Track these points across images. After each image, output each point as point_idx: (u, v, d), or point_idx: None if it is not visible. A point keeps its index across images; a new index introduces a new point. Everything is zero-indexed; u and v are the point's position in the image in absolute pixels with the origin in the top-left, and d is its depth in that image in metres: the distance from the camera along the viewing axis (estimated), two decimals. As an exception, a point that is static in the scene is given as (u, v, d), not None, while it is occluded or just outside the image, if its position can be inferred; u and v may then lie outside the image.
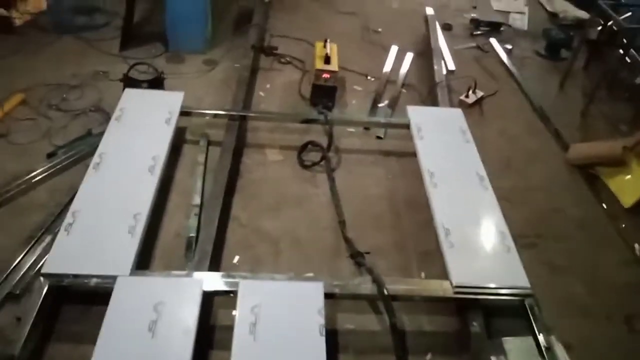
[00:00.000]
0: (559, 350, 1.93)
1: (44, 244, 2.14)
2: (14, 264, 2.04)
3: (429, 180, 2.40)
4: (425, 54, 3.73)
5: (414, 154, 2.62)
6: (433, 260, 2.25)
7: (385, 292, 1.90)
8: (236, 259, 2.24)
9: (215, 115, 2.82)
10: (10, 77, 3.07)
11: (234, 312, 1.82)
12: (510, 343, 1.97)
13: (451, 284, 1.97)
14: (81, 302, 1.98)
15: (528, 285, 1.99)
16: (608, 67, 3.51)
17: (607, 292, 2.30)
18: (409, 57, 3.62)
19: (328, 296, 1.90)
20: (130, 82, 2.86)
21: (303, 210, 2.50)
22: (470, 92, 3.36)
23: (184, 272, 1.97)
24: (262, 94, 3.27)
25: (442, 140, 2.66)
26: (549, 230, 2.55)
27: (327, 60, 3.03)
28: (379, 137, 2.99)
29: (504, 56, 3.90)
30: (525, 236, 2.46)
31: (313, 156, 2.76)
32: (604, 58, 3.71)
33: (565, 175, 2.91)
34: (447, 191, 2.35)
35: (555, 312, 2.12)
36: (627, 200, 2.69)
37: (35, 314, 1.78)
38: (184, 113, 2.70)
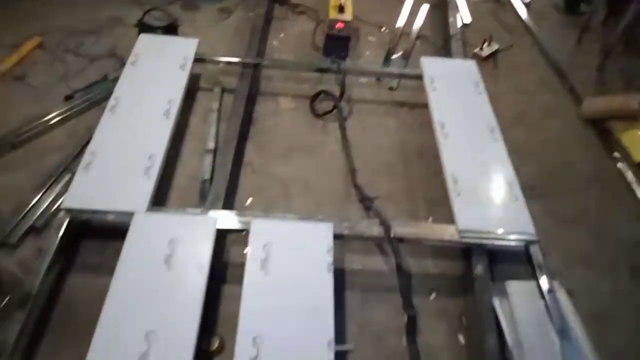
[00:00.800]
0: (561, 294, 1.99)
1: (63, 183, 2.20)
2: (35, 200, 2.12)
3: (440, 131, 2.41)
4: (441, 5, 3.67)
5: (426, 106, 2.62)
6: (441, 207, 2.29)
7: (392, 234, 1.96)
8: (249, 201, 2.29)
9: (229, 63, 2.82)
10: (25, 22, 3.08)
11: (245, 250, 1.89)
12: (513, 286, 2.01)
13: (457, 228, 2.01)
14: (100, 237, 2.05)
15: (533, 231, 2.02)
16: (627, 21, 3.43)
17: (614, 245, 2.33)
18: (425, 8, 3.56)
19: (337, 237, 1.96)
20: (144, 27, 2.87)
21: (314, 158, 2.54)
22: (485, 45, 3.32)
23: (198, 210, 2.03)
24: (276, 44, 3.26)
25: (455, 92, 2.65)
26: (559, 183, 2.57)
27: (341, 9, 3.00)
28: (391, 88, 2.99)
29: (521, 9, 3.82)
30: (534, 188, 2.48)
31: (325, 106, 2.77)
32: (624, 13, 3.62)
33: (577, 130, 2.90)
34: (458, 142, 2.37)
35: (560, 261, 2.17)
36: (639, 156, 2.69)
37: (56, 246, 1.87)
38: (198, 60, 2.71)
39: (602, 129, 2.88)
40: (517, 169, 2.28)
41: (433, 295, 2.03)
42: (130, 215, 1.92)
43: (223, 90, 2.80)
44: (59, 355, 1.73)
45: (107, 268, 1.80)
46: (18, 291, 1.77)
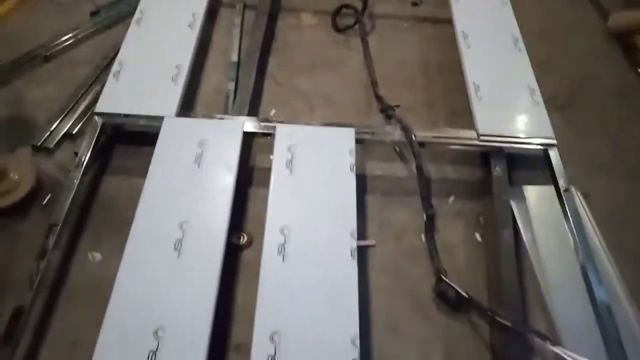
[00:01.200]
0: (577, 197, 2.04)
1: (93, 93, 2.28)
2: (68, 108, 2.20)
3: (463, 41, 2.41)
4: None
5: (449, 22, 2.60)
6: (461, 120, 2.31)
7: (414, 137, 2.01)
8: (273, 112, 2.35)
9: (251, -22, 2.81)
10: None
11: (271, 156, 1.96)
12: (531, 190, 2.07)
13: (477, 132, 2.05)
14: (131, 143, 2.14)
15: (552, 136, 2.06)
16: None
17: (632, 154, 2.34)
18: None
19: (359, 142, 2.02)
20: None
21: (336, 72, 2.57)
22: (512, -40, 3.23)
23: (225, 116, 2.10)
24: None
25: (479, 3, 2.62)
26: (581, 96, 2.57)
27: None
28: (414, 4, 2.95)
29: None
30: (556, 100, 2.48)
31: (347, 21, 2.77)
32: None
33: (603, 45, 2.86)
34: (480, 51, 2.37)
35: (577, 169, 2.19)
36: (664, 70, 2.66)
37: (91, 148, 1.96)
38: (220, -25, 2.71)
39: (627, 44, 2.84)
40: (540, 81, 2.28)
41: (452, 199, 2.10)
42: (160, 119, 1.99)
43: (245, 6, 2.81)
44: (100, 244, 1.86)
45: (139, 170, 1.90)
46: (58, 189, 1.89)
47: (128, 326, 1.47)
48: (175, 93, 2.07)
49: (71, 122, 2.17)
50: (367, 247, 1.93)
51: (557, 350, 1.58)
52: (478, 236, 2.00)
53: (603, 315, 1.66)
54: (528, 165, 2.18)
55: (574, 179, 2.08)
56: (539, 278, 1.84)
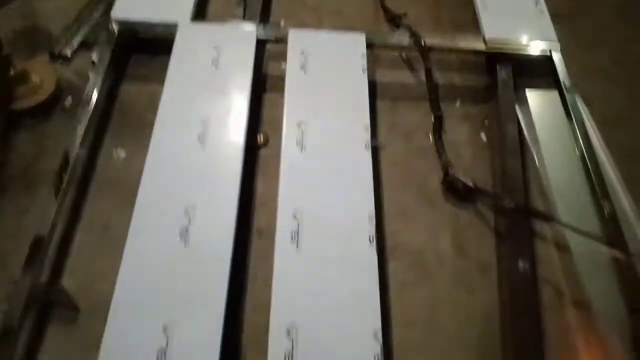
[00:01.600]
0: (579, 101, 2.12)
1: (105, 4, 2.29)
2: (82, 19, 2.23)
3: (468, -44, 2.43)
4: None
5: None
6: (467, 32, 2.36)
7: (423, 42, 2.07)
8: (282, 23, 2.38)
9: None
10: None
11: (283, 65, 2.02)
12: (534, 94, 2.15)
13: (483, 38, 2.12)
14: (145, 52, 2.19)
15: (556, 40, 2.13)
16: None
17: (633, 63, 2.41)
18: None
19: (369, 46, 2.08)
20: None
21: (343, -14, 2.59)
22: None
23: (237, 22, 2.14)
24: None
25: None
26: (584, 11, 2.61)
27: None
28: None
29: None
30: (559, 14, 2.52)
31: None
32: None
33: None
34: (486, -38, 2.40)
35: (579, 76, 2.25)
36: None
37: (109, 53, 2.01)
38: None
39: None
40: (542, -3, 2.34)
41: (458, 103, 2.18)
42: (174, 26, 2.04)
43: None
44: (124, 144, 1.93)
45: (156, 78, 1.96)
46: (79, 93, 1.95)
47: (159, 206, 1.57)
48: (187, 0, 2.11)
49: (85, 31, 2.20)
50: (377, 148, 2.01)
51: (559, 226, 1.70)
52: (483, 136, 2.09)
53: (601, 199, 1.78)
54: (530, 74, 2.24)
55: (576, 86, 2.16)
56: (541, 170, 1.95)
